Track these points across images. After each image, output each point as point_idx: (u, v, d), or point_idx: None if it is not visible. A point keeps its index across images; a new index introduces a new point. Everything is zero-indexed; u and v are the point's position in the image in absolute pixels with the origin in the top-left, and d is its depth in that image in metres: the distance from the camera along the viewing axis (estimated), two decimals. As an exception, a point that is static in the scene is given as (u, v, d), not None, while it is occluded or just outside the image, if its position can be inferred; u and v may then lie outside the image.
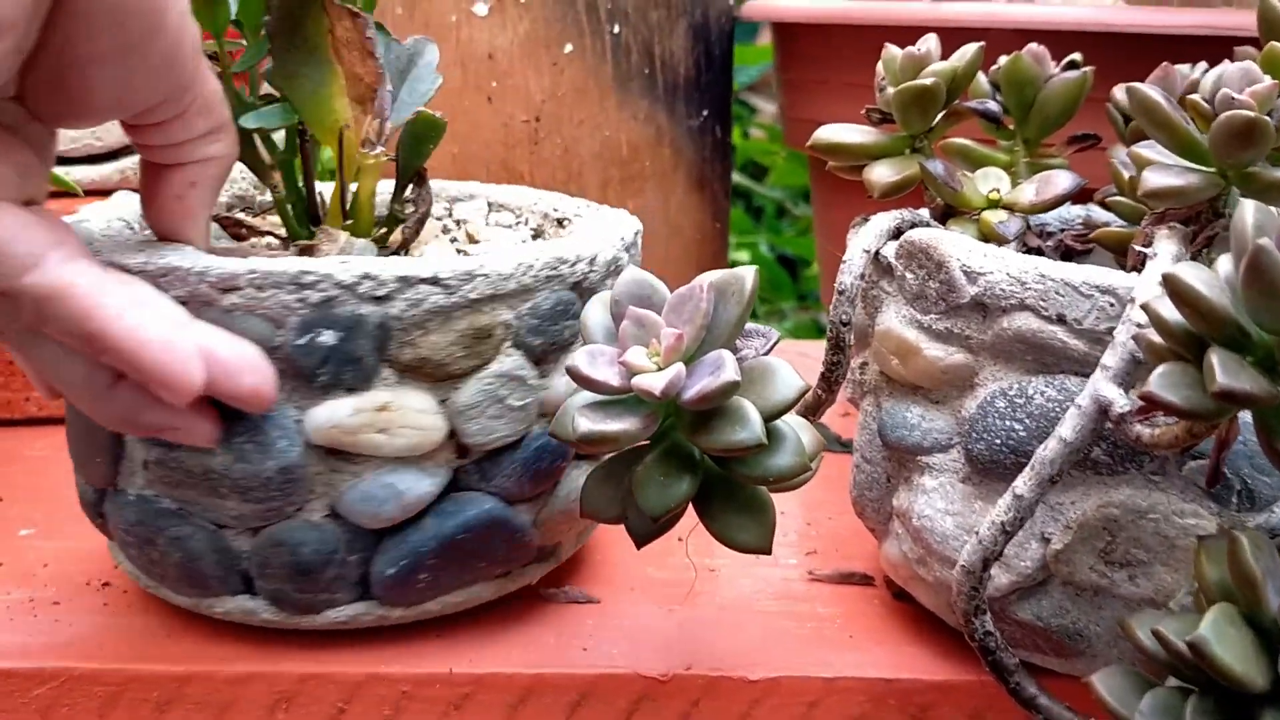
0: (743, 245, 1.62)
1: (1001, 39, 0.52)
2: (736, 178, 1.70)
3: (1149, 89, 0.38)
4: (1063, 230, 0.52)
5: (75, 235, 0.38)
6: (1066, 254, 0.49)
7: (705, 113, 0.71)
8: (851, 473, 0.49)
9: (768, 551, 0.40)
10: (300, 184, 0.49)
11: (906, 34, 0.56)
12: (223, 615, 0.45)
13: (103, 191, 0.64)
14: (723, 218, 0.75)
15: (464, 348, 0.41)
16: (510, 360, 0.43)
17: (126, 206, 0.51)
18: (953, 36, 0.48)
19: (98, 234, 0.44)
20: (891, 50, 0.47)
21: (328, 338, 0.40)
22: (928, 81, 0.44)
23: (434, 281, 0.40)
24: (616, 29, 0.67)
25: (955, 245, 0.41)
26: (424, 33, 0.69)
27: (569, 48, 0.67)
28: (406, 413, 0.41)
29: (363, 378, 0.41)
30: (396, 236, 0.49)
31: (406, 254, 0.48)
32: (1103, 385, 0.36)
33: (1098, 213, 0.53)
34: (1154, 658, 0.33)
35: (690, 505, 0.40)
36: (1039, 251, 0.49)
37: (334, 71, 0.45)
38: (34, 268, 0.35)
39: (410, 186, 0.49)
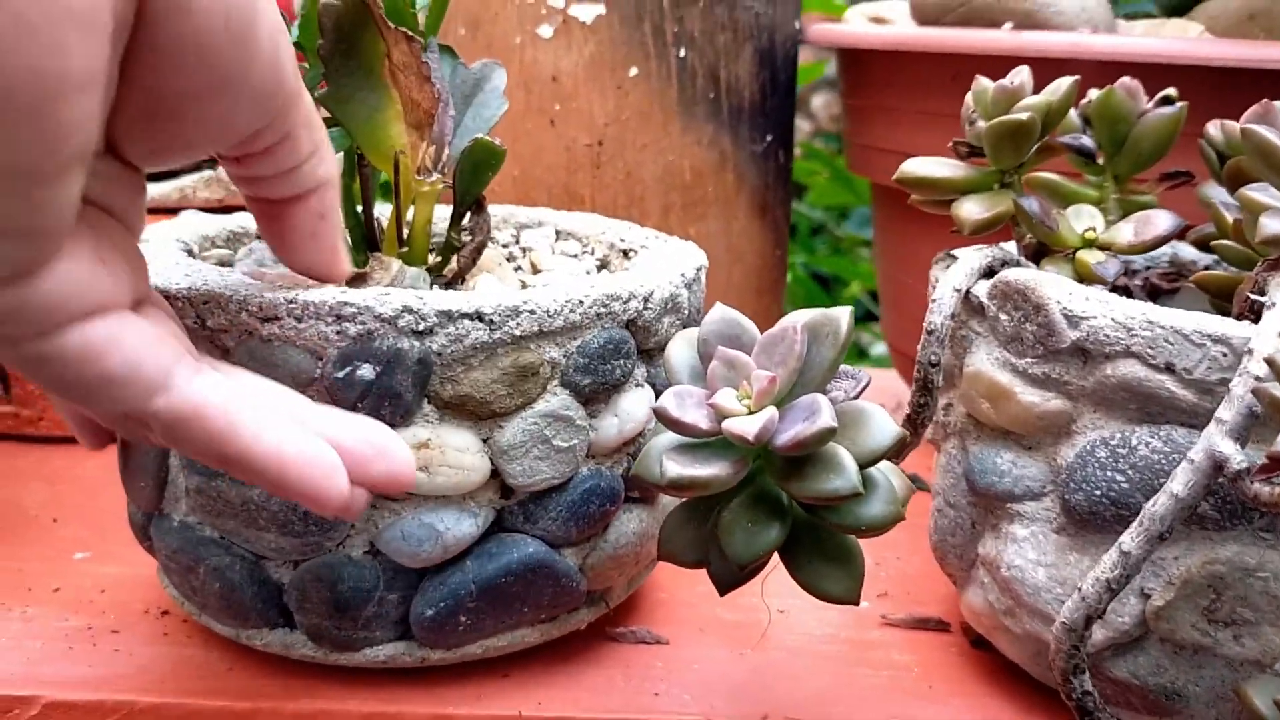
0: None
1: (1084, 70, 0.50)
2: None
3: (1265, 130, 0.37)
4: (1149, 268, 0.50)
5: (178, 326, 0.35)
6: (1153, 293, 0.48)
7: (769, 138, 0.70)
8: (932, 517, 0.47)
9: (856, 602, 0.39)
10: (359, 209, 0.48)
11: (983, 63, 0.55)
12: (262, 647, 0.44)
13: (163, 210, 0.63)
14: (783, 244, 0.74)
15: (508, 385, 0.40)
16: (557, 399, 0.41)
17: (189, 228, 0.50)
18: (1034, 67, 0.47)
19: (151, 257, 0.43)
20: (983, 83, 0.45)
21: (366, 371, 0.38)
22: (1023, 116, 0.43)
23: (477, 317, 0.39)
24: (683, 53, 0.66)
25: (1055, 287, 0.39)
26: (487, 54, 0.68)
27: (634, 71, 0.66)
28: (448, 451, 0.40)
29: (403, 413, 0.39)
30: (453, 266, 0.48)
31: (462, 283, 0.47)
32: (1218, 440, 0.34)
33: (1184, 250, 0.51)
34: (1273, 728, 0.32)
35: (778, 555, 0.39)
36: (1125, 290, 0.47)
37: (390, 96, 0.44)
38: (163, 389, 0.31)
39: (469, 214, 0.48)
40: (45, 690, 0.43)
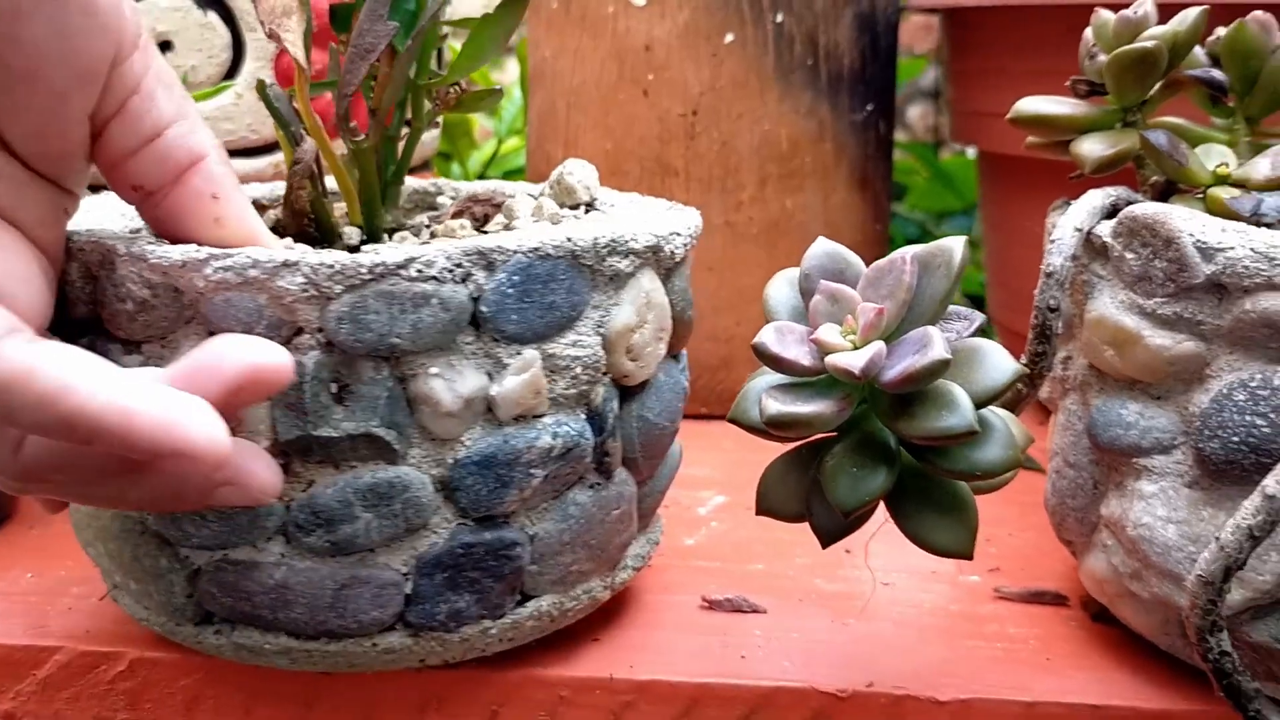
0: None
1: (1213, 12, 0.47)
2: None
3: None
4: (1281, 220, 0.47)
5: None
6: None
7: (869, 107, 0.68)
8: (1050, 480, 0.44)
9: (969, 556, 0.36)
10: None
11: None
12: None
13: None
14: (884, 219, 0.71)
15: None
16: None
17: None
18: (1161, 12, 0.44)
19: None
20: (1103, 14, 0.43)
21: None
22: (1149, 44, 0.40)
23: None
24: (779, 18, 0.64)
25: (1187, 220, 0.36)
26: (580, 26, 0.67)
27: (730, 37, 0.64)
28: None
29: None
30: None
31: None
32: (1376, 371, 0.31)
33: (1322, 202, 0.48)
34: None
35: (883, 505, 0.37)
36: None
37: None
38: None
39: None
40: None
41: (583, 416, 0.38)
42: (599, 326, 0.37)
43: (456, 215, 0.49)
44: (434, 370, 0.35)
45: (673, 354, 0.43)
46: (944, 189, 1.63)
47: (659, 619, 0.45)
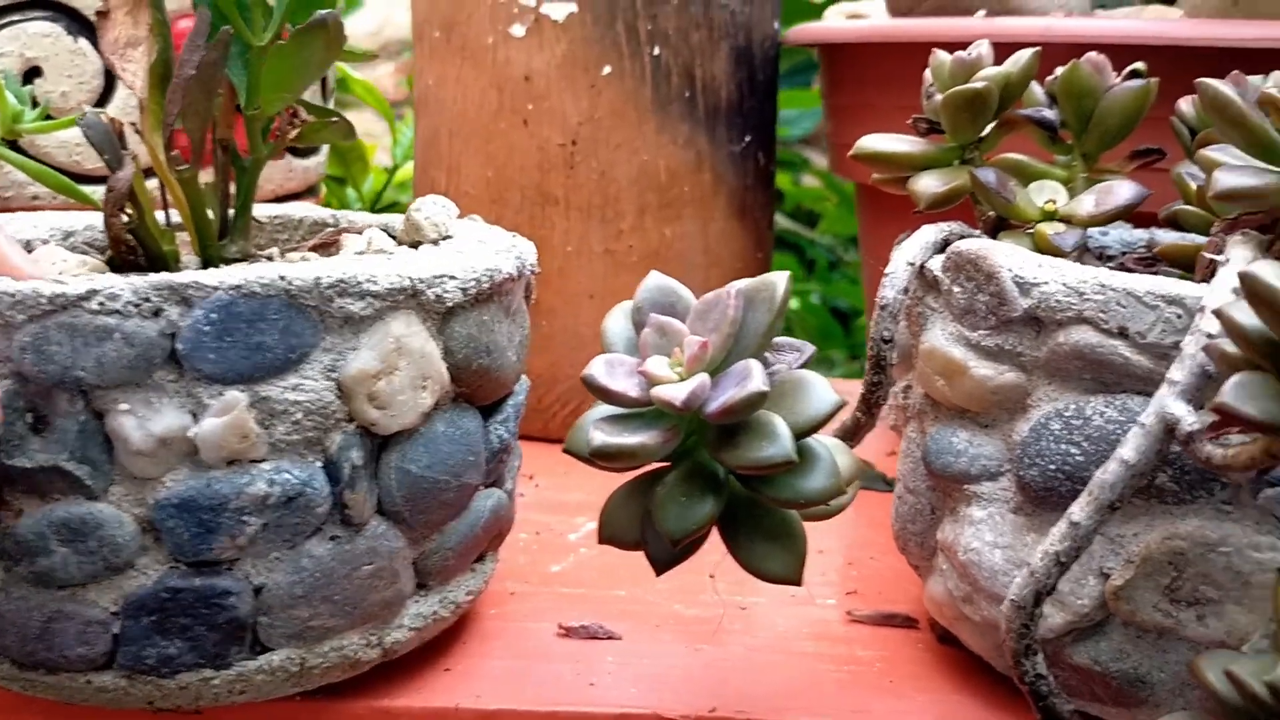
0: (794, 293, 1.59)
1: (1059, 54, 0.49)
2: (788, 224, 1.68)
3: (1222, 85, 0.35)
4: (1124, 254, 0.49)
5: None
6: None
7: (748, 138, 0.69)
8: (894, 505, 0.45)
9: (797, 583, 0.37)
10: None
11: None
12: None
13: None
14: (765, 247, 0.72)
15: None
16: None
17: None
18: (1007, 53, 0.45)
19: None
20: (940, 56, 0.44)
21: None
22: (979, 85, 0.41)
23: None
24: (656, 51, 0.65)
25: (1007, 255, 0.38)
26: (461, 56, 0.67)
27: (607, 69, 0.65)
28: None
29: None
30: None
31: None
32: (1169, 401, 0.32)
33: (1162, 235, 0.49)
34: (1226, 702, 0.30)
35: (718, 534, 0.37)
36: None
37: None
38: None
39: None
40: None
41: (317, 464, 0.36)
42: (330, 371, 0.36)
43: (323, 247, 0.49)
44: (124, 406, 0.34)
45: (474, 404, 0.41)
46: (852, 214, 1.66)
47: (514, 647, 0.45)
